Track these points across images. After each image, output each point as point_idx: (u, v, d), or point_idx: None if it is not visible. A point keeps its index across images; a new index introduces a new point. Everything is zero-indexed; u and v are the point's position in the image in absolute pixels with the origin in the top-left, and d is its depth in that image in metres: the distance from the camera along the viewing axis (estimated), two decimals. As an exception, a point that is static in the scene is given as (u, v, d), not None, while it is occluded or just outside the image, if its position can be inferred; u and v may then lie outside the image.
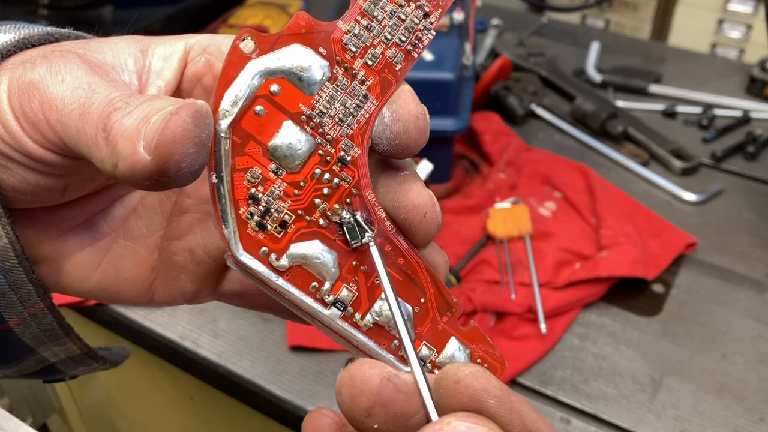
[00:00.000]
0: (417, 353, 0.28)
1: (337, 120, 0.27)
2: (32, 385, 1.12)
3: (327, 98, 0.27)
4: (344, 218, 0.28)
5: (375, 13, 0.27)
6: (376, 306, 0.28)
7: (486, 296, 0.73)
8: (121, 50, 0.30)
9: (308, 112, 0.27)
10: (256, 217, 0.27)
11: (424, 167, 0.77)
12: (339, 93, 0.27)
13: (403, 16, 0.28)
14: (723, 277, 0.79)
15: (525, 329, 0.72)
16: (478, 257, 0.79)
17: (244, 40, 0.26)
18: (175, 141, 0.24)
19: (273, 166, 0.27)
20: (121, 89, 0.27)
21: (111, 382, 0.97)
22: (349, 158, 0.28)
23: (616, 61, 1.14)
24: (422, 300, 0.29)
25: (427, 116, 0.28)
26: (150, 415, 0.99)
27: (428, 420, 0.24)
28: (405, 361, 0.29)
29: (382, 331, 0.28)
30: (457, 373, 0.24)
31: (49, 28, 0.30)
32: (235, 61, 0.26)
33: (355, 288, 0.28)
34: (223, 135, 0.26)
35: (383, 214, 0.28)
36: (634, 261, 0.76)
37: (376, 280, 0.28)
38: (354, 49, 0.27)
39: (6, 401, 1.10)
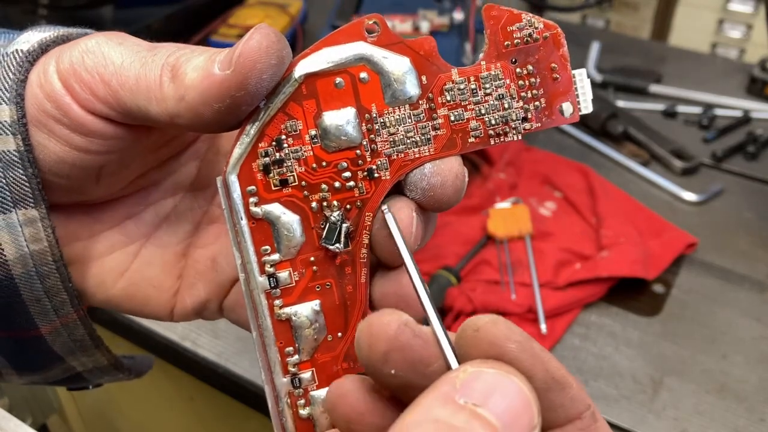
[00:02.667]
0: (300, 372, 0.28)
1: (391, 139, 0.28)
2: (32, 386, 1.12)
3: (397, 117, 0.28)
4: (333, 218, 0.28)
5: (486, 86, 0.28)
6: (300, 307, 0.28)
7: (486, 296, 0.73)
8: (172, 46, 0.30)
9: (374, 115, 0.27)
10: (267, 159, 0.27)
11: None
12: (409, 121, 0.28)
13: (506, 105, 0.28)
14: (723, 277, 0.79)
15: (525, 329, 0.71)
16: (478, 257, 0.79)
17: (372, 21, 0.27)
18: (261, 49, 0.25)
19: (313, 132, 0.27)
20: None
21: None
22: (376, 175, 0.28)
23: (616, 61, 1.14)
24: (339, 334, 0.29)
25: (466, 178, 0.28)
26: (150, 415, 0.98)
27: (448, 368, 0.23)
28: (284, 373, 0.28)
29: (287, 330, 0.28)
30: (477, 322, 0.23)
31: (88, 29, 0.31)
32: (351, 32, 0.27)
33: (296, 279, 0.28)
34: (296, 77, 0.27)
35: (366, 241, 0.28)
36: (635, 261, 0.76)
37: (318, 287, 0.28)
38: (448, 99, 0.28)
39: (6, 401, 1.10)
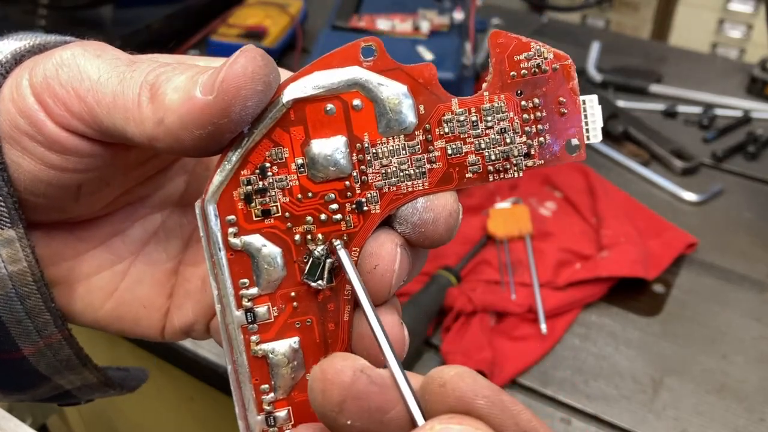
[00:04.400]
0: (275, 411, 0.27)
1: (383, 171, 0.26)
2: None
3: (391, 148, 0.26)
4: (317, 252, 0.26)
5: (488, 118, 0.26)
6: (278, 344, 0.27)
7: (486, 296, 0.73)
8: (156, 57, 0.29)
9: (366, 145, 0.26)
10: (249, 188, 0.25)
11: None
12: (403, 152, 0.26)
13: (508, 140, 0.27)
14: (723, 277, 0.79)
15: (525, 329, 0.72)
16: (479, 257, 0.79)
17: (368, 44, 0.25)
18: (246, 75, 0.23)
19: (300, 160, 0.26)
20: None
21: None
22: (365, 208, 0.26)
23: (616, 61, 1.14)
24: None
25: (460, 216, 0.27)
26: (150, 415, 0.98)
27: (413, 424, 0.22)
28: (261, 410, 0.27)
29: (263, 367, 0.27)
30: (443, 375, 0.22)
31: (66, 37, 0.29)
32: (346, 56, 0.25)
33: (275, 314, 0.27)
34: (284, 102, 0.25)
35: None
36: (635, 261, 0.76)
37: (297, 324, 0.27)
38: (447, 130, 0.26)
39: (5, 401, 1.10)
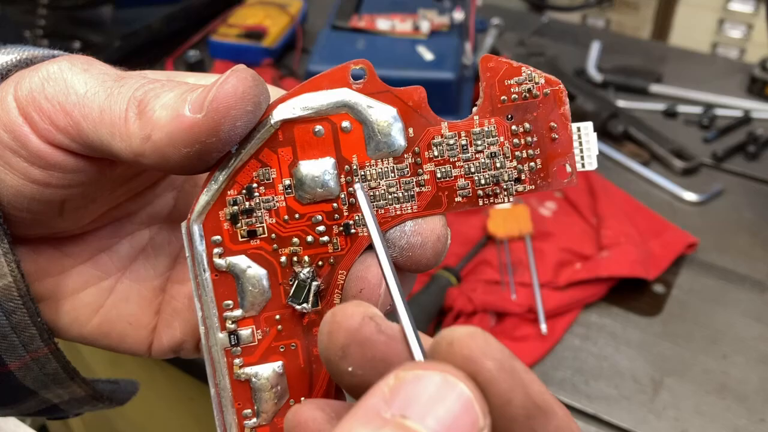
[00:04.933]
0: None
1: (371, 194, 0.26)
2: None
3: (379, 170, 0.26)
4: (303, 275, 0.26)
5: (478, 142, 0.26)
6: (261, 367, 0.26)
7: (486, 296, 0.73)
8: (145, 73, 0.28)
9: (354, 167, 0.26)
10: (235, 208, 0.25)
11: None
12: (392, 175, 0.26)
13: (498, 164, 0.26)
14: (724, 277, 0.79)
15: (525, 329, 0.72)
16: (479, 257, 0.79)
17: (358, 67, 0.25)
18: (236, 95, 0.23)
19: (287, 181, 0.25)
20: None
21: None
22: (353, 230, 0.26)
23: (616, 61, 1.14)
24: (302, 399, 0.27)
25: (448, 241, 0.27)
26: (149, 415, 0.98)
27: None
28: None
29: (246, 391, 0.26)
30: (452, 334, 0.20)
31: (55, 51, 0.29)
32: (335, 78, 0.25)
33: (259, 338, 0.26)
34: (272, 123, 0.25)
35: (337, 301, 0.26)
36: (635, 261, 0.76)
37: (282, 348, 0.26)
38: (436, 154, 0.26)
39: (6, 401, 1.10)
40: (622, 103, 1.05)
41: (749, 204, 0.89)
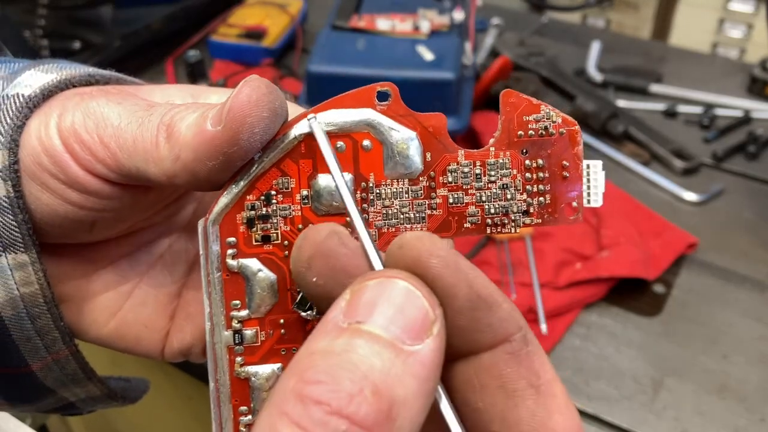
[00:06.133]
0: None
1: (384, 212, 0.27)
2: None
3: (394, 190, 0.27)
4: None
5: (492, 173, 0.27)
6: (261, 368, 0.27)
7: (486, 296, 0.73)
8: (172, 95, 0.30)
9: (371, 184, 0.27)
10: (252, 212, 0.26)
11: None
12: (406, 196, 0.27)
13: (509, 196, 0.27)
14: (724, 277, 0.79)
15: (525, 329, 0.72)
16: (479, 257, 0.79)
17: (384, 89, 0.26)
18: (250, 103, 0.24)
19: (305, 192, 0.26)
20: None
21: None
22: None
23: (616, 61, 1.14)
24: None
25: None
26: (149, 415, 0.98)
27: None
28: None
29: (245, 389, 0.27)
30: (402, 238, 0.22)
31: (90, 69, 0.31)
32: (361, 98, 0.26)
33: (263, 338, 0.27)
34: (295, 135, 0.26)
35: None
36: (635, 261, 0.76)
37: (283, 351, 0.27)
38: (450, 180, 0.27)
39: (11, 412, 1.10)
40: (622, 103, 1.05)
41: (749, 204, 0.89)
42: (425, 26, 0.91)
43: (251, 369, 0.27)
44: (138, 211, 0.30)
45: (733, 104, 1.05)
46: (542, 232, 0.81)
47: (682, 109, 1.04)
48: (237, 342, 0.27)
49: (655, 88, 1.08)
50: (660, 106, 1.04)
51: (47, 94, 0.28)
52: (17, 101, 0.27)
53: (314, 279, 0.22)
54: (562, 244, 0.80)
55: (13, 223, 0.27)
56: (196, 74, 0.98)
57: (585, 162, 0.28)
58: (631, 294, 0.76)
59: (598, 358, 0.70)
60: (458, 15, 0.93)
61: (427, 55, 0.87)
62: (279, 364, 0.27)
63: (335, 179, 0.25)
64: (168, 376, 0.82)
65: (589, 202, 0.28)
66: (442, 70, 0.84)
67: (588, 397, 0.67)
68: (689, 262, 0.81)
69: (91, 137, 0.27)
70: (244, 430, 0.27)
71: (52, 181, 0.27)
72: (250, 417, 0.27)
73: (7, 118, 0.27)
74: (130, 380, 0.36)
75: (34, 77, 0.28)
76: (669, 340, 0.72)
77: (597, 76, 1.10)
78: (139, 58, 1.09)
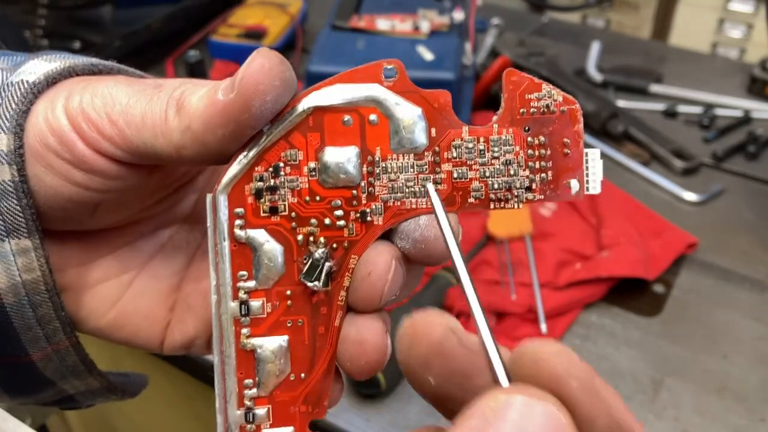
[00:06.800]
0: (255, 408, 0.27)
1: (390, 185, 0.27)
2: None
3: (400, 164, 0.27)
4: (317, 254, 0.27)
5: (495, 149, 0.28)
6: (267, 340, 0.27)
7: (486, 296, 0.73)
8: None
9: (377, 158, 0.27)
10: (261, 184, 0.27)
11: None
12: (411, 170, 0.27)
13: (512, 172, 0.28)
14: (724, 277, 0.79)
15: (525, 330, 0.72)
16: (479, 257, 0.79)
17: (391, 66, 0.27)
18: (263, 71, 0.25)
19: (312, 164, 0.27)
20: None
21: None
22: (369, 218, 0.27)
23: (616, 61, 1.14)
24: (302, 375, 0.28)
25: (460, 237, 0.28)
26: (149, 415, 0.98)
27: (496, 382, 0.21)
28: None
29: (250, 361, 0.27)
30: (536, 351, 0.20)
31: (93, 59, 0.31)
32: (369, 73, 0.27)
33: (269, 310, 0.27)
34: (304, 108, 0.26)
35: (347, 284, 0.27)
36: (635, 261, 0.76)
37: (289, 323, 0.27)
38: (454, 155, 0.27)
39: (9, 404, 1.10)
40: (622, 103, 1.05)
41: (749, 204, 0.89)
42: (425, 26, 0.91)
43: (257, 341, 0.27)
44: (141, 195, 0.30)
45: (732, 104, 1.05)
46: (542, 232, 0.81)
47: (682, 109, 1.04)
48: (243, 313, 0.27)
49: (655, 88, 1.08)
50: (660, 106, 1.04)
51: (51, 81, 0.28)
52: (22, 87, 0.27)
53: (431, 380, 0.22)
54: (562, 244, 0.80)
55: (17, 207, 0.27)
56: (196, 74, 0.98)
57: (584, 150, 0.29)
58: (631, 294, 0.76)
59: (597, 358, 0.70)
60: (458, 15, 0.93)
61: (427, 55, 0.87)
62: (285, 337, 0.27)
63: (453, 258, 0.25)
64: (167, 374, 0.82)
65: (587, 189, 0.28)
66: (441, 70, 0.84)
67: (588, 397, 0.66)
68: (689, 262, 0.81)
69: (98, 115, 0.27)
70: (248, 403, 0.27)
71: (57, 161, 0.27)
72: (255, 390, 0.27)
73: (12, 104, 0.27)
74: (129, 375, 0.36)
75: (38, 66, 0.29)
76: (669, 340, 0.72)
77: (597, 76, 1.10)
78: (139, 58, 1.09)
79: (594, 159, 0.29)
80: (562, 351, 0.21)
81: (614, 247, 0.78)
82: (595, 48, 1.16)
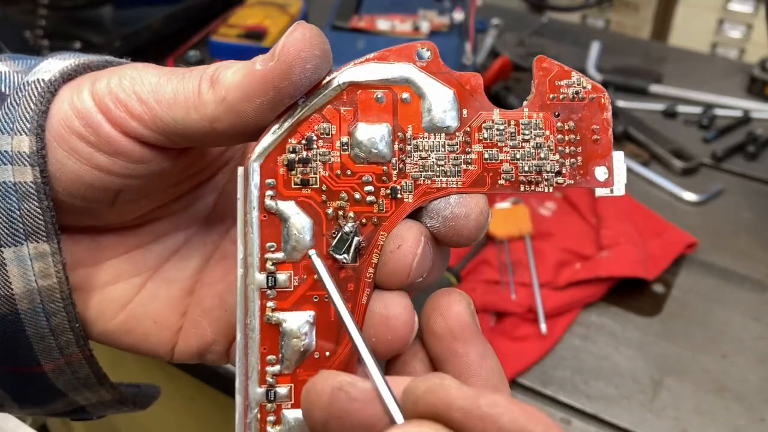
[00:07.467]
0: (277, 386, 0.27)
1: (420, 163, 0.27)
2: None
3: (431, 143, 0.27)
4: (347, 228, 0.27)
5: (525, 132, 0.28)
6: (293, 314, 0.27)
7: (486, 296, 0.73)
8: None
9: (408, 136, 0.27)
10: (293, 155, 0.27)
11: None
12: (442, 149, 0.28)
13: (542, 155, 0.28)
14: (723, 277, 0.79)
15: (525, 329, 0.72)
16: (479, 257, 0.79)
17: (425, 48, 0.28)
18: (305, 39, 0.25)
19: (345, 139, 0.27)
20: None
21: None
22: (399, 195, 0.27)
23: (616, 61, 1.14)
24: (327, 354, 0.27)
25: (490, 218, 0.28)
26: (150, 415, 0.98)
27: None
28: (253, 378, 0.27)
29: (274, 336, 0.27)
30: (415, 392, 0.21)
31: (107, 57, 0.31)
32: (402, 53, 0.28)
33: (296, 284, 0.27)
34: (339, 83, 0.27)
35: (375, 261, 0.27)
36: (635, 261, 0.76)
37: (315, 298, 0.27)
38: (486, 136, 0.28)
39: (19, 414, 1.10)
40: (621, 103, 1.05)
41: (749, 204, 0.89)
42: (425, 26, 0.91)
43: (282, 315, 0.27)
44: (163, 186, 0.30)
45: (732, 104, 1.05)
46: (542, 231, 0.82)
47: (682, 109, 1.04)
48: (270, 285, 0.27)
49: (654, 88, 1.08)
50: (659, 107, 1.05)
51: (67, 77, 0.28)
52: (39, 86, 0.27)
53: None
54: (562, 244, 0.80)
55: (38, 209, 0.27)
56: (196, 74, 0.98)
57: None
58: (631, 294, 0.76)
59: (597, 357, 0.70)
60: (458, 15, 0.93)
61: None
62: (311, 312, 0.27)
63: (336, 306, 0.25)
64: (169, 376, 0.83)
65: (612, 191, 0.29)
66: (442, 71, 0.84)
67: (587, 397, 0.67)
68: (689, 262, 0.81)
69: (127, 95, 0.27)
70: (271, 380, 0.27)
71: (80, 144, 0.27)
72: (278, 367, 0.27)
73: (31, 104, 0.27)
74: (140, 386, 0.35)
75: (53, 64, 0.28)
76: (668, 340, 0.72)
77: (597, 76, 1.10)
78: (139, 58, 1.08)
79: (619, 160, 0.29)
80: (435, 386, 0.21)
81: (614, 247, 0.78)
82: (594, 48, 1.16)
